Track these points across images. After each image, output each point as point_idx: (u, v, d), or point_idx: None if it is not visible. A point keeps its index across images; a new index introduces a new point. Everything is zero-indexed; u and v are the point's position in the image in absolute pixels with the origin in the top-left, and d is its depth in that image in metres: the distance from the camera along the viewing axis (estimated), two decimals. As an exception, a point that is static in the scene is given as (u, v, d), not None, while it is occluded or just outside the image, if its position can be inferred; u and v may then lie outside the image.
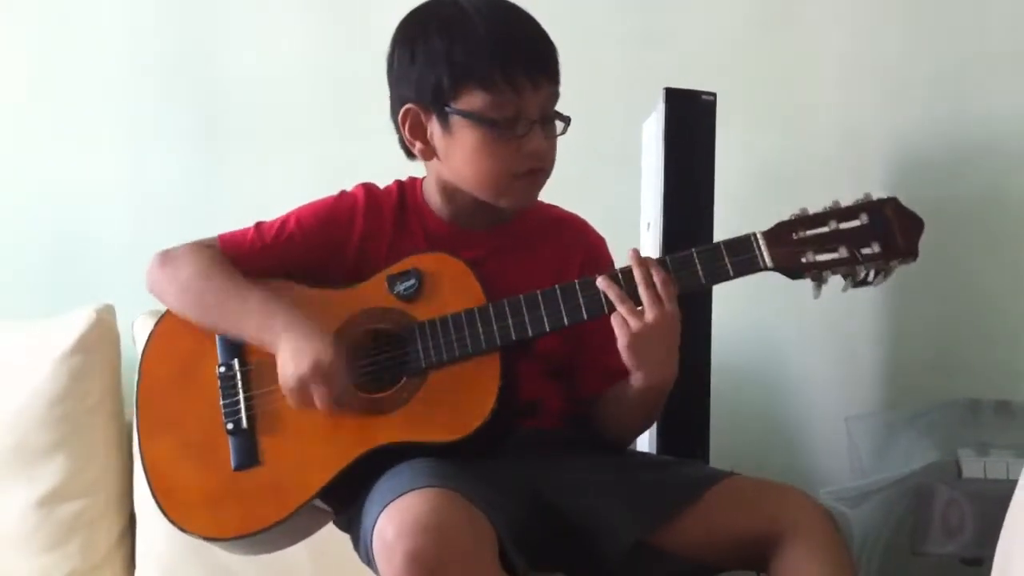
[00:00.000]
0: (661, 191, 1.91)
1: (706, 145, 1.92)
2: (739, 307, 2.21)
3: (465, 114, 1.57)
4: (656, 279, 1.50)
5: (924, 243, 2.10)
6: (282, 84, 2.50)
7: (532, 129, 1.58)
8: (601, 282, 1.52)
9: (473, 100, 1.56)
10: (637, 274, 1.51)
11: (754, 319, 2.31)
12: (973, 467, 1.90)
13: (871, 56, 2.33)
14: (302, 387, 1.54)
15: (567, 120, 1.62)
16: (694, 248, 1.53)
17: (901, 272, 2.27)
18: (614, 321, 1.51)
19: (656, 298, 1.50)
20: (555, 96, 1.61)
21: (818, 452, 2.33)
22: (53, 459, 2.20)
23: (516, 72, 1.56)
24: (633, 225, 2.13)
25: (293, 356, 1.54)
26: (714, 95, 1.92)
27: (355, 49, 2.43)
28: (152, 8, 2.55)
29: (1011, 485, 1.38)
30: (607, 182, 2.29)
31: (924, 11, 2.32)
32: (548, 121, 1.61)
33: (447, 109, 1.58)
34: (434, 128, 1.61)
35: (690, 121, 1.91)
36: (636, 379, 1.55)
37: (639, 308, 1.51)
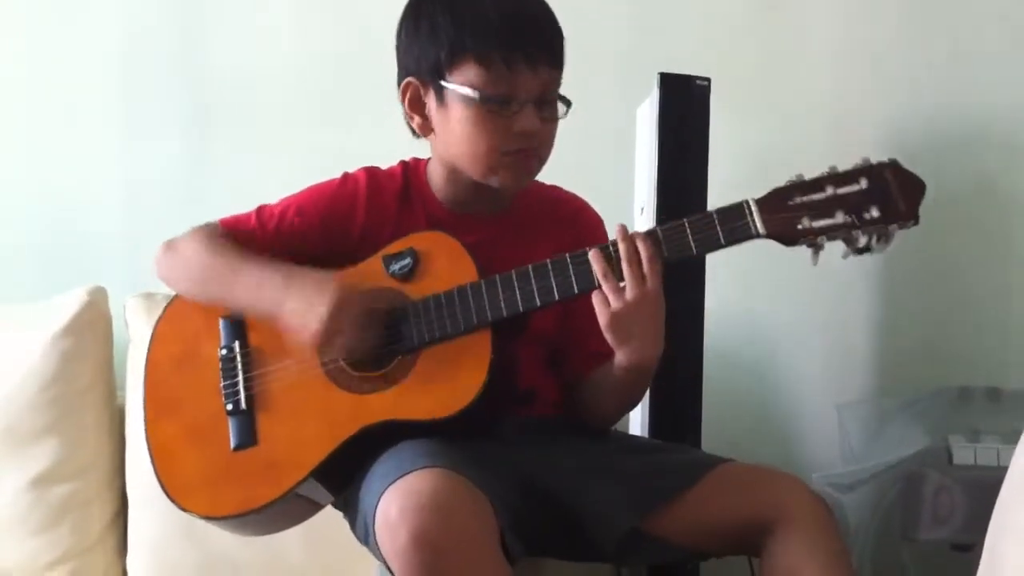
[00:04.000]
0: (655, 176, 1.91)
1: (700, 130, 1.91)
2: (732, 294, 2.22)
3: (459, 88, 1.57)
4: (643, 255, 1.48)
5: (915, 233, 2.11)
6: (274, 72, 2.49)
7: (524, 109, 1.57)
8: (592, 255, 1.50)
9: (468, 75, 1.56)
10: (622, 248, 1.49)
11: (746, 306, 2.32)
12: (964, 454, 1.91)
13: (864, 43, 2.33)
14: (329, 325, 1.52)
15: (568, 103, 1.62)
16: (686, 218, 1.50)
17: (892, 261, 2.28)
18: (595, 299, 1.49)
19: (639, 275, 1.48)
20: (556, 80, 1.60)
21: (809, 439, 2.34)
22: (45, 441, 2.19)
23: (514, 52, 1.55)
24: (627, 209, 2.13)
25: (311, 300, 1.53)
26: (708, 80, 1.92)
27: (347, 38, 2.44)
28: (145, -1, 2.55)
29: (1001, 471, 1.38)
30: (601, 166, 2.29)
31: (916, 0, 2.33)
32: (546, 104, 1.60)
33: (443, 83, 1.58)
34: (431, 103, 1.61)
35: (684, 106, 1.91)
36: (618, 358, 1.54)
37: (621, 285, 1.49)
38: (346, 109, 2.41)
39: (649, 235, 1.50)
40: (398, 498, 1.37)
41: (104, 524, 2.22)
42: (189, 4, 2.53)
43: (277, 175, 2.29)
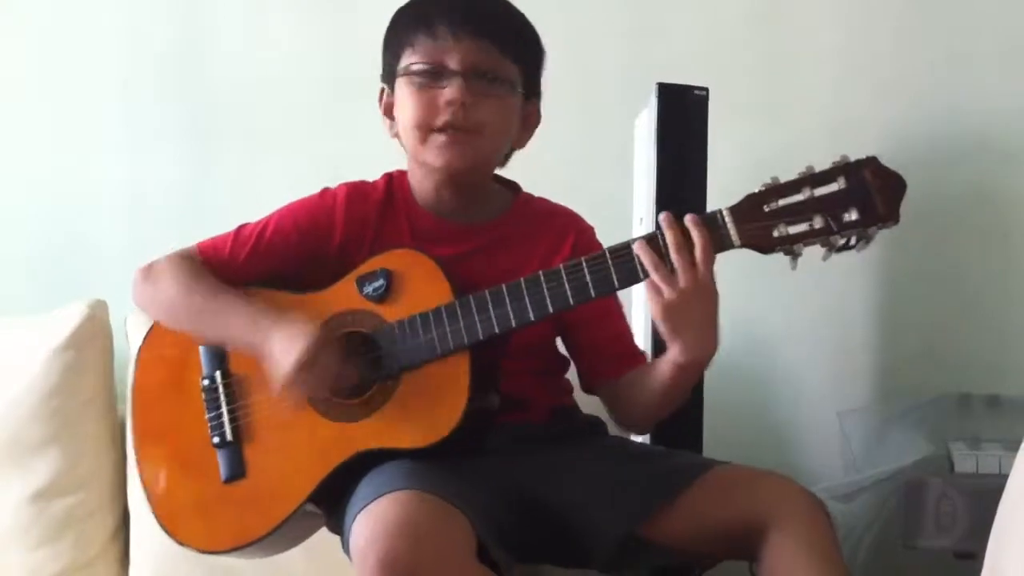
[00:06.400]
0: (654, 186, 1.91)
1: (698, 140, 1.92)
2: (731, 302, 2.20)
3: (400, 73, 1.62)
4: (697, 242, 1.43)
5: (914, 238, 2.10)
6: (276, 83, 2.50)
7: (452, 81, 1.58)
8: (637, 247, 1.45)
9: (406, 60, 1.61)
10: (669, 237, 1.43)
11: (746, 314, 2.32)
12: (965, 462, 1.91)
13: (863, 51, 2.33)
14: (299, 375, 1.51)
15: (514, 86, 1.61)
16: (658, 230, 1.47)
17: (891, 267, 2.28)
18: (647, 288, 1.45)
19: (690, 263, 1.43)
20: (487, 53, 1.59)
21: (811, 447, 2.33)
22: (46, 454, 2.20)
23: (435, 23, 1.59)
24: (626, 220, 2.13)
25: (287, 347, 1.52)
26: (706, 90, 1.92)
27: (348, 48, 2.44)
28: (148, 8, 2.55)
29: (1003, 479, 1.38)
30: (600, 177, 2.30)
31: (915, 6, 2.33)
32: (482, 79, 1.59)
33: (395, 77, 1.63)
34: (393, 101, 1.65)
35: (682, 116, 1.91)
36: (673, 352, 1.50)
37: (672, 274, 1.44)
38: (347, 117, 2.41)
39: (704, 222, 1.45)
40: (367, 523, 1.38)
41: (106, 537, 2.22)
42: (192, 16, 2.53)
43: (279, 182, 2.29)
